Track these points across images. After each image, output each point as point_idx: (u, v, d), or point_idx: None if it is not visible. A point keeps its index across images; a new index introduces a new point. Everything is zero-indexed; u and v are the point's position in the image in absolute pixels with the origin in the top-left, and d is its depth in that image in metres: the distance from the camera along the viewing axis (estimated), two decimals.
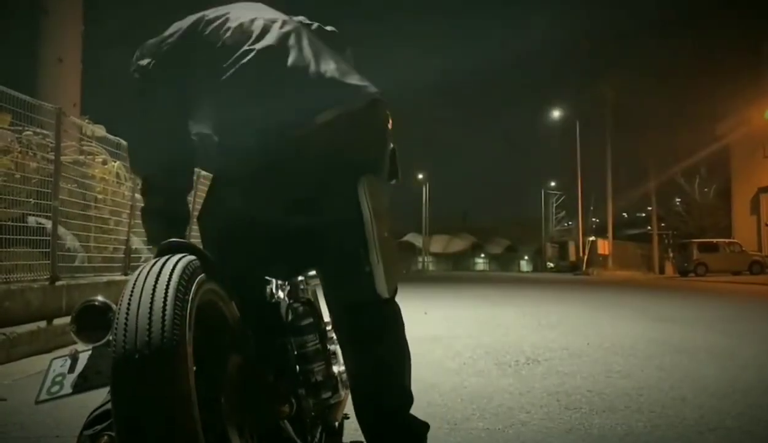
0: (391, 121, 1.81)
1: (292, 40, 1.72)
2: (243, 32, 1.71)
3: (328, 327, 1.88)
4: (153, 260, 1.21)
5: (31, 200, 5.80)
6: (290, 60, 1.68)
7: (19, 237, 5.53)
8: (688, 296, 13.28)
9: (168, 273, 1.14)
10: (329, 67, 1.70)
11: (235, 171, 1.68)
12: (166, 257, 1.21)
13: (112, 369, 1.06)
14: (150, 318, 1.06)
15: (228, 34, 1.71)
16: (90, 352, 1.39)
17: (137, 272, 1.17)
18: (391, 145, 1.82)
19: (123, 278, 7.09)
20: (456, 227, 74.48)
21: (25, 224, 5.66)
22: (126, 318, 1.07)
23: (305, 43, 1.74)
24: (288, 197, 1.69)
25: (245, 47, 1.68)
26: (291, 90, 1.65)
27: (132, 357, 1.03)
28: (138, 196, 7.65)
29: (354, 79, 1.72)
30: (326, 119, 1.62)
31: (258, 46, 1.68)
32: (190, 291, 1.15)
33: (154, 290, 1.10)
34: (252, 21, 1.74)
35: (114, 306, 1.31)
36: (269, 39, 1.70)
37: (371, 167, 1.72)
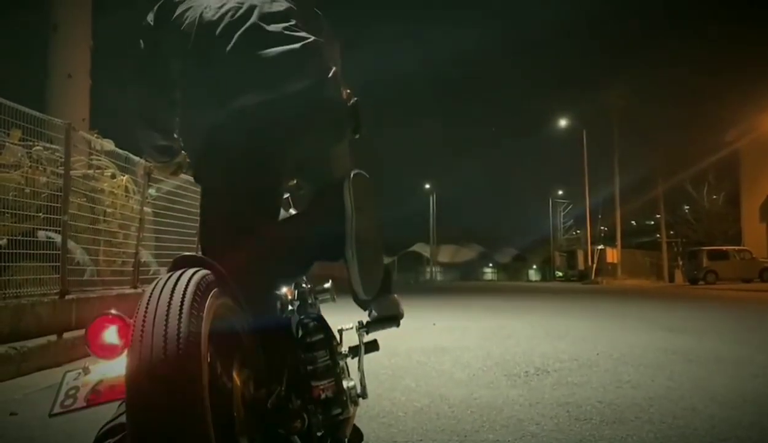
0: (347, 91, 1.91)
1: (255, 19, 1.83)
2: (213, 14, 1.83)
3: (337, 342, 1.89)
4: (168, 274, 1.22)
5: (40, 214, 5.83)
6: (255, 36, 1.79)
7: (29, 252, 5.56)
8: (697, 305, 13.20)
9: (183, 288, 1.14)
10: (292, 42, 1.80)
11: (217, 167, 1.76)
12: (181, 271, 1.22)
13: (126, 382, 1.07)
14: (166, 333, 1.06)
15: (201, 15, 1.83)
16: (103, 366, 1.40)
17: (152, 286, 1.17)
18: (352, 101, 1.90)
19: (132, 291, 7.12)
20: (464, 237, 74.41)
21: (35, 239, 5.70)
22: (141, 332, 1.08)
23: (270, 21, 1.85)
24: (271, 191, 1.78)
25: (215, 25, 1.80)
26: (256, 64, 1.74)
27: (147, 372, 1.04)
28: (147, 209, 7.70)
29: (315, 60, 1.82)
30: (292, 88, 1.73)
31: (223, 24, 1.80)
32: (205, 306, 1.16)
33: (169, 304, 1.10)
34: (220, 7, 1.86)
35: (128, 320, 1.31)
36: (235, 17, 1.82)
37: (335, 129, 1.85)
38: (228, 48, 1.75)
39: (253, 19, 1.81)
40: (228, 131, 1.71)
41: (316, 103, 1.78)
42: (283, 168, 1.80)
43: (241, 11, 1.82)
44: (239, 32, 1.77)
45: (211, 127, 1.74)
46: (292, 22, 1.85)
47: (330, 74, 1.83)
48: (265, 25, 1.81)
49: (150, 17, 1.91)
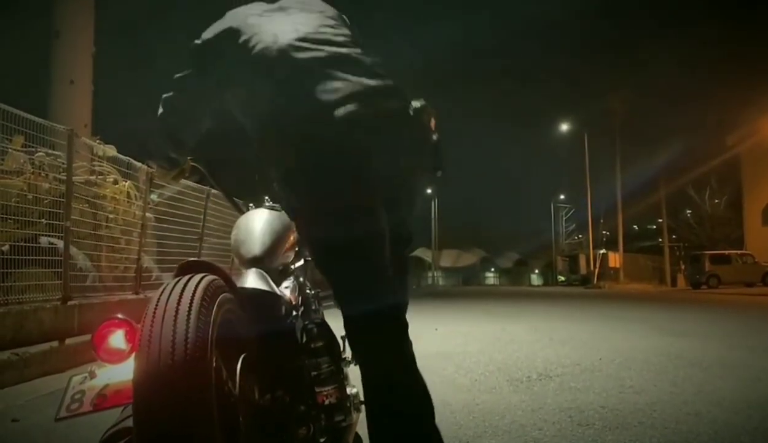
0: (433, 120, 1.88)
1: (333, 34, 1.85)
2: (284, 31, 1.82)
3: (341, 348, 1.89)
4: (175, 280, 1.22)
5: (43, 220, 5.84)
6: (332, 52, 1.79)
7: (31, 258, 5.57)
8: (700, 309, 13.17)
9: (190, 294, 1.14)
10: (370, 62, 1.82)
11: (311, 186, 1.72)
12: (188, 276, 1.22)
13: (134, 387, 1.07)
14: (173, 338, 1.06)
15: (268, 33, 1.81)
16: (109, 370, 1.40)
17: (160, 291, 1.17)
18: (434, 137, 1.87)
19: (134, 297, 7.12)
20: (465, 242, 74.35)
21: (38, 245, 5.70)
22: (149, 337, 1.08)
23: (346, 36, 1.87)
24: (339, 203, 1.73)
25: (290, 42, 1.78)
26: (333, 80, 1.72)
27: (155, 376, 1.04)
28: (149, 215, 7.70)
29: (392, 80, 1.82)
30: (369, 110, 1.70)
31: (300, 43, 1.79)
32: (212, 311, 1.16)
33: (177, 310, 1.10)
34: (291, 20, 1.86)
35: (135, 325, 1.32)
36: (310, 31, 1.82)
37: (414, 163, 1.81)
38: (318, 67, 1.73)
39: (337, 46, 1.81)
40: (317, 148, 1.68)
41: (407, 128, 1.77)
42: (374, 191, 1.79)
43: (323, 36, 1.82)
44: (327, 54, 1.77)
45: (299, 143, 1.70)
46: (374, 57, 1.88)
47: (417, 106, 1.82)
48: (349, 53, 1.81)
49: (208, 39, 1.88)
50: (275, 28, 1.83)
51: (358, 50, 1.83)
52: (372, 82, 1.74)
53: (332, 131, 1.66)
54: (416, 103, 1.82)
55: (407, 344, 1.68)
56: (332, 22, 1.92)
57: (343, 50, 1.80)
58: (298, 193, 1.73)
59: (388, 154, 1.73)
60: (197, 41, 1.91)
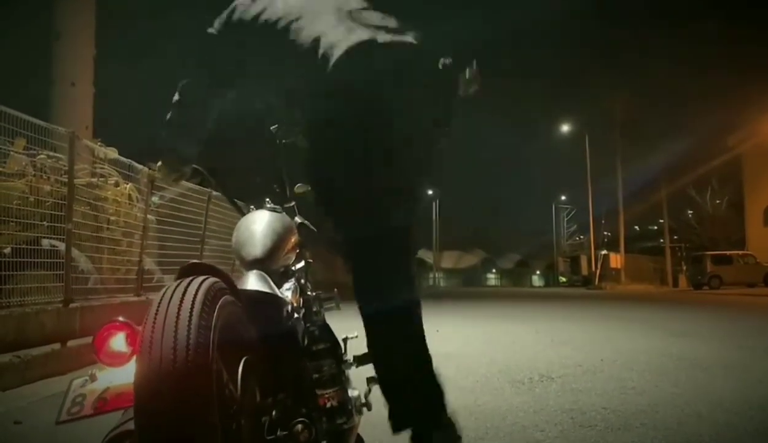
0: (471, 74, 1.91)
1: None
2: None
3: (342, 351, 1.89)
4: (176, 282, 1.21)
5: (44, 222, 5.84)
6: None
7: (33, 260, 5.57)
8: (702, 310, 13.16)
9: (192, 296, 1.14)
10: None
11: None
12: (189, 278, 1.21)
13: (135, 390, 1.07)
14: (175, 341, 1.06)
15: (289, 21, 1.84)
16: (110, 373, 1.40)
17: (161, 293, 1.17)
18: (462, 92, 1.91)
19: (136, 299, 7.12)
20: (467, 243, 74.35)
21: (39, 247, 5.71)
22: (151, 340, 1.07)
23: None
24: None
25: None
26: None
27: (156, 380, 1.04)
28: (150, 217, 7.71)
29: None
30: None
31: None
32: (213, 314, 1.16)
33: (178, 313, 1.10)
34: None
35: (136, 327, 1.31)
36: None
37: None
38: (334, 29, 1.76)
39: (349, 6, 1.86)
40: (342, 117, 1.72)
41: (431, 81, 1.83)
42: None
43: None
44: (341, 15, 1.81)
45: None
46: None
47: (447, 61, 1.87)
48: (364, 12, 1.86)
49: (220, 25, 1.91)
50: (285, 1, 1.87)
51: (372, 10, 1.88)
52: (386, 33, 1.77)
53: (348, 87, 1.69)
54: (446, 60, 1.84)
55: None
56: None
57: (360, 11, 1.85)
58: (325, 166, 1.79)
59: (407, 106, 1.77)
60: (210, 30, 1.91)
